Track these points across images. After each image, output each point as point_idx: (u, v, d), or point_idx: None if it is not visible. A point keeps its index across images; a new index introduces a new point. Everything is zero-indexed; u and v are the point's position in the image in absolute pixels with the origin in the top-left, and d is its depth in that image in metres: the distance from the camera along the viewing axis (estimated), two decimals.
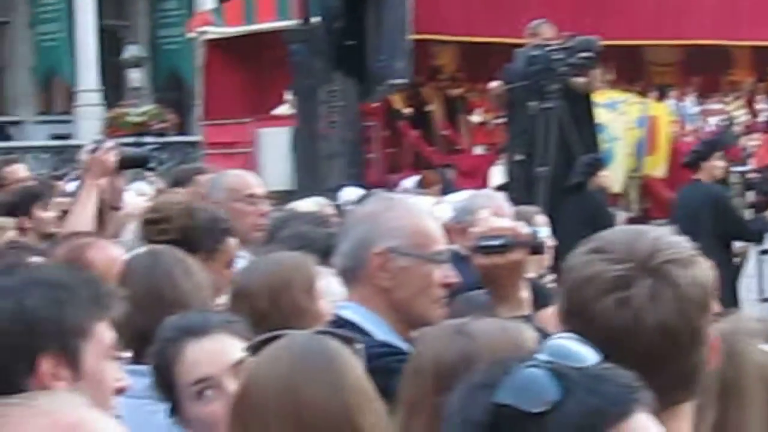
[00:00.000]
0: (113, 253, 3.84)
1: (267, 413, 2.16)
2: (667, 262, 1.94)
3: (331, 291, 3.51)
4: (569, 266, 2.00)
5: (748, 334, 2.34)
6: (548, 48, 11.48)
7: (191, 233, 4.44)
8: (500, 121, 14.01)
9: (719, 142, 11.85)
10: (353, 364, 2.27)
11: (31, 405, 1.43)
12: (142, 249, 3.88)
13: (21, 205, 6.11)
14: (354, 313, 3.11)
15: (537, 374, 1.41)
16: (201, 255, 4.16)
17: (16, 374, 2.07)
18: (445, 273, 3.15)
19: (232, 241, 4.60)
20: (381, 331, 3.07)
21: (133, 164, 5.54)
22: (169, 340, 2.84)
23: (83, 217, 5.05)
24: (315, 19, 14.67)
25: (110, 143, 5.35)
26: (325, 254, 3.80)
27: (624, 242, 1.98)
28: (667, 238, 2.01)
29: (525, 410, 1.38)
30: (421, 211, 3.31)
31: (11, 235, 5.21)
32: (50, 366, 2.15)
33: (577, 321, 1.93)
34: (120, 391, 2.32)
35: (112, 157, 5.18)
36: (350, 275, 3.18)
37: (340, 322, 3.07)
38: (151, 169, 5.82)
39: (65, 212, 6.74)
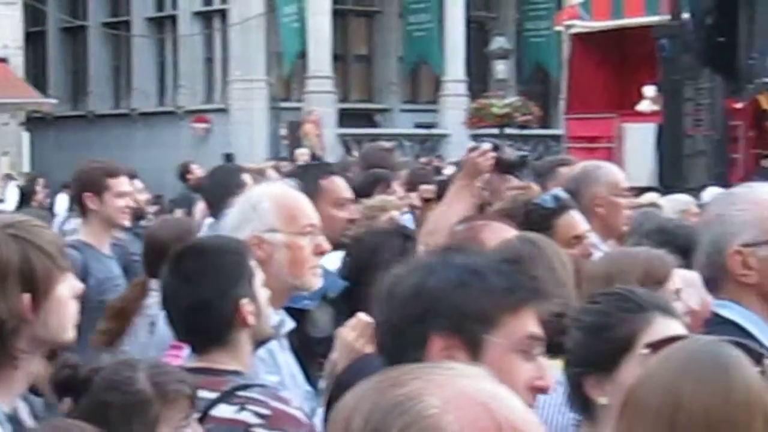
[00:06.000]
0: (506, 236, 3.76)
1: (648, 412, 2.07)
2: None
3: (691, 285, 3.47)
4: None
5: None
6: None
7: None
8: None
9: None
10: (749, 378, 2.06)
11: (446, 369, 1.43)
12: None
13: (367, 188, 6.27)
14: (731, 312, 3.04)
15: None
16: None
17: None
18: None
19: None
20: (759, 330, 3.01)
21: (509, 168, 5.52)
22: None
23: (445, 216, 4.91)
24: (685, 15, 14.45)
25: (488, 145, 5.30)
26: (685, 251, 3.76)
27: None
28: None
29: None
30: (764, 198, 3.19)
31: (394, 214, 5.23)
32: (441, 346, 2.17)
33: None
34: (539, 390, 2.26)
35: (488, 161, 5.21)
36: (712, 279, 3.13)
37: (719, 320, 3.03)
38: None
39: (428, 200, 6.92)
